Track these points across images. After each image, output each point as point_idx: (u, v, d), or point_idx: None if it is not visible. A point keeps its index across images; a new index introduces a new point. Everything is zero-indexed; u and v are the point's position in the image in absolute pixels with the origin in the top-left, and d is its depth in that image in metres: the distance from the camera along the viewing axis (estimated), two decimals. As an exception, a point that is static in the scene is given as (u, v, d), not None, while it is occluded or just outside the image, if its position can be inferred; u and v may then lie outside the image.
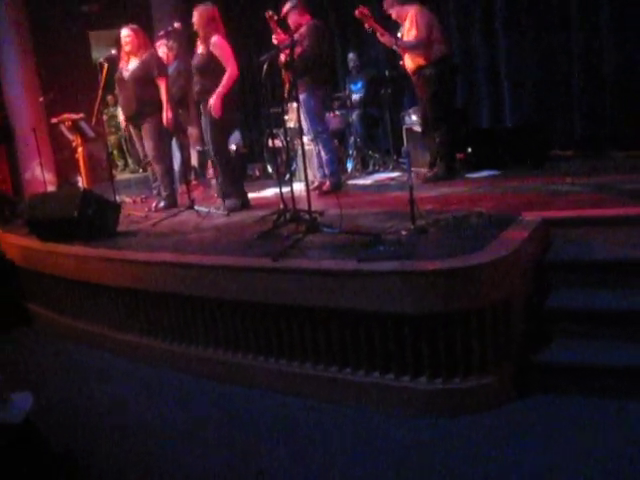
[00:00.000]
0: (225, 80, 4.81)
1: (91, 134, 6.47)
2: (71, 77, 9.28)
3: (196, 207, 5.10)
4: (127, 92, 5.51)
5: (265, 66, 4.06)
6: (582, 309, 3.02)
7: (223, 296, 3.40)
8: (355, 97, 7.21)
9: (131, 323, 4.00)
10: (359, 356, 2.99)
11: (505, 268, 2.81)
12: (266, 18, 5.29)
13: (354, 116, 7.10)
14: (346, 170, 6.76)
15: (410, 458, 2.55)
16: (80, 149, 6.48)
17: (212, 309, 3.49)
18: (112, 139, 11.15)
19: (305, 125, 5.38)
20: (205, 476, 2.66)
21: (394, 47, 5.55)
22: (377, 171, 6.67)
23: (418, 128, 6.02)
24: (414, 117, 6.22)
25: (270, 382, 3.29)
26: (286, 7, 5.39)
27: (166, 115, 5.38)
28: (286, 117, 6.04)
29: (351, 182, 6.19)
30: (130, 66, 5.49)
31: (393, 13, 5.53)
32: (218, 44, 4.84)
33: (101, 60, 5.43)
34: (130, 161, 11.42)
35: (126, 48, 5.49)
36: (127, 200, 6.51)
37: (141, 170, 9.80)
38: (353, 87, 7.37)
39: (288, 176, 5.33)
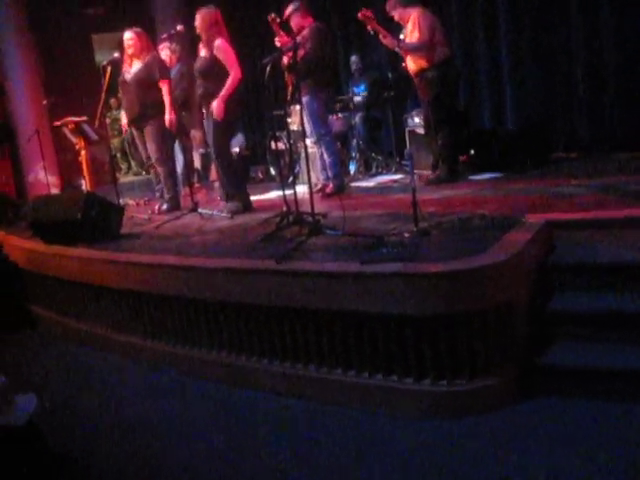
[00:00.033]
0: (229, 83, 4.82)
1: (94, 137, 6.49)
2: (74, 80, 9.29)
3: (199, 210, 5.11)
4: (130, 95, 5.52)
5: (268, 69, 4.06)
6: (586, 312, 3.01)
7: (226, 299, 3.39)
8: (358, 99, 7.20)
9: (134, 325, 4.00)
10: (362, 358, 2.98)
11: (508, 270, 2.81)
12: (269, 21, 5.30)
13: (357, 118, 7.10)
14: (349, 172, 6.76)
15: (414, 460, 2.54)
16: (83, 152, 6.49)
17: (215, 312, 3.49)
18: (115, 142, 11.15)
19: (308, 127, 5.39)
20: (207, 479, 2.65)
21: (397, 49, 5.56)
22: (380, 173, 6.67)
23: (421, 130, 6.02)
24: (417, 119, 6.23)
25: (274, 384, 3.29)
26: (289, 10, 5.39)
27: (169, 118, 5.38)
28: (289, 120, 6.04)
29: (354, 184, 6.20)
30: (133, 69, 5.50)
31: (396, 15, 5.52)
32: (222, 47, 4.85)
33: (104, 63, 5.45)
34: (133, 164, 11.42)
35: (129, 51, 5.50)
36: (130, 202, 6.53)
37: (144, 173, 9.84)
38: (356, 90, 7.36)
39: (291, 178, 5.35)
